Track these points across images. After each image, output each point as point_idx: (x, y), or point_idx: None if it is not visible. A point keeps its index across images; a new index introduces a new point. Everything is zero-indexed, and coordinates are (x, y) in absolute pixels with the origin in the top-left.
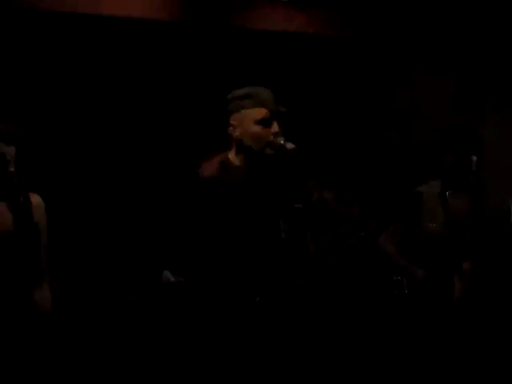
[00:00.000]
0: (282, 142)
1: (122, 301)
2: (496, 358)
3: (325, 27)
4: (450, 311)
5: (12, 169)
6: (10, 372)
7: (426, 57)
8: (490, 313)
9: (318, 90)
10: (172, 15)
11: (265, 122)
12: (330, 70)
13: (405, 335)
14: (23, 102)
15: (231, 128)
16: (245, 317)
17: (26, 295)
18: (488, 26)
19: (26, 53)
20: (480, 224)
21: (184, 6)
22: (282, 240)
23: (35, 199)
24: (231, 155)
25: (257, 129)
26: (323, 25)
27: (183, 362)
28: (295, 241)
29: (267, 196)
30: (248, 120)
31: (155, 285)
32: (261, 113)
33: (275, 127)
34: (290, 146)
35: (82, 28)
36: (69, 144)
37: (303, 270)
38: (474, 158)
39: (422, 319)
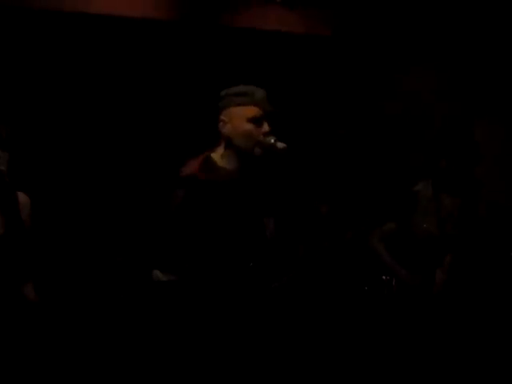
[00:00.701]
0: (272, 141)
1: (112, 300)
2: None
3: (317, 27)
4: (430, 302)
5: (3, 167)
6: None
7: (421, 56)
8: (469, 303)
9: (309, 89)
10: (165, 14)
11: (256, 121)
12: (322, 70)
13: (394, 332)
14: (14, 101)
15: (221, 123)
16: (234, 314)
17: (16, 291)
18: (481, 24)
19: (20, 53)
20: (469, 225)
21: (177, 6)
22: (267, 240)
23: (22, 197)
24: (215, 154)
25: (248, 127)
26: (316, 25)
27: (174, 361)
28: (281, 241)
29: (251, 196)
30: (240, 117)
31: (145, 283)
32: (253, 111)
33: (266, 127)
34: (280, 145)
35: (73, 27)
36: (57, 140)
37: (288, 270)
38: (468, 162)
39: (407, 311)
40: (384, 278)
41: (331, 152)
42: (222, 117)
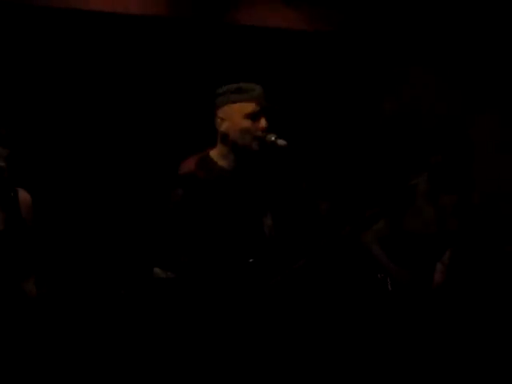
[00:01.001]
0: (273, 138)
1: (112, 296)
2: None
3: (319, 24)
4: (430, 297)
5: (2, 164)
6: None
7: (419, 54)
8: (468, 299)
9: (311, 86)
10: (166, 12)
11: (253, 117)
12: (323, 67)
13: (391, 330)
14: (12, 99)
15: (219, 121)
16: (234, 310)
17: (17, 289)
18: (481, 25)
19: (19, 49)
20: (466, 220)
21: (178, 3)
22: (265, 237)
23: (23, 194)
24: (214, 152)
25: (245, 123)
26: (317, 22)
27: (174, 358)
28: (280, 238)
29: (249, 193)
30: (237, 114)
31: (145, 280)
32: (250, 107)
33: (263, 122)
34: (281, 142)
35: (72, 24)
36: (56, 137)
37: (286, 268)
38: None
39: (405, 308)
40: (379, 275)
41: (333, 148)
42: (220, 114)
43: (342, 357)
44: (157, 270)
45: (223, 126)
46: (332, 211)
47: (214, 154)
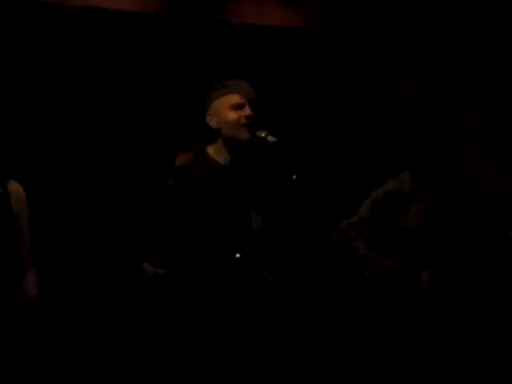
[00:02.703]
0: (263, 135)
1: (105, 293)
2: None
3: (308, 21)
4: (419, 301)
5: None
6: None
7: (408, 53)
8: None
9: (300, 84)
10: (156, 8)
11: (238, 107)
12: (311, 64)
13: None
14: (6, 93)
15: (208, 118)
16: (222, 306)
17: (12, 283)
18: (471, 25)
19: (9, 44)
20: (447, 220)
21: (168, 0)
22: (253, 234)
23: (16, 187)
24: (210, 147)
25: (231, 114)
26: (307, 18)
27: (163, 354)
28: (269, 234)
29: (240, 189)
30: (223, 108)
31: (136, 277)
32: (233, 98)
33: (247, 111)
34: (271, 139)
35: (67, 20)
36: (50, 132)
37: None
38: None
39: (394, 312)
40: (367, 273)
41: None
42: (209, 112)
43: (333, 355)
44: (146, 265)
45: (213, 122)
46: (332, 209)
47: (210, 149)
